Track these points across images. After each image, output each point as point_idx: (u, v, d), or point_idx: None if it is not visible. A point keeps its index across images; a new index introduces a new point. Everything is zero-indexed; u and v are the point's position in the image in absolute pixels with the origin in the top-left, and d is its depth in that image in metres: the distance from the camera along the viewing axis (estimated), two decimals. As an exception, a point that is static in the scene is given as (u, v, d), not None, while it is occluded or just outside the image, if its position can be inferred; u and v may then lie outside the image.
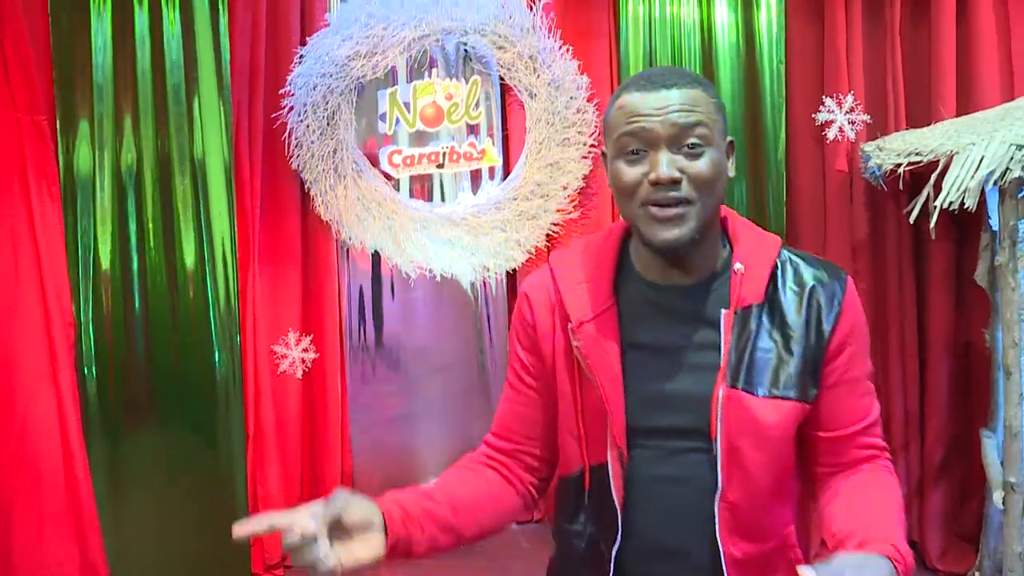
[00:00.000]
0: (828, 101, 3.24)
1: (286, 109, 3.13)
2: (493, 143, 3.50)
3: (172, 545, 2.97)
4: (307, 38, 3.16)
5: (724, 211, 1.36)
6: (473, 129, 3.49)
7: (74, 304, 2.67)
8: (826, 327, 1.29)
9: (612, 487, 1.30)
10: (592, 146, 3.38)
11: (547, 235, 3.45)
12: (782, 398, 1.26)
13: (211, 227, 3.01)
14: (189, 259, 2.96)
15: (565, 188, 3.40)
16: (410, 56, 3.25)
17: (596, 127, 3.37)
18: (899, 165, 2.64)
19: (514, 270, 3.48)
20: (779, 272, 1.32)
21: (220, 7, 2.93)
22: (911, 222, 2.70)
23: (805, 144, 3.35)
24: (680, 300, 1.31)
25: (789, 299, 1.30)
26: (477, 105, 3.45)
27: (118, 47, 2.74)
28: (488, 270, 3.45)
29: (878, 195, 3.21)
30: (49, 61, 2.61)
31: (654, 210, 1.23)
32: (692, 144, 1.22)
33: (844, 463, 1.33)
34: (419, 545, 1.26)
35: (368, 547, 1.17)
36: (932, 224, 2.46)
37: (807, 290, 1.30)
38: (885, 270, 3.28)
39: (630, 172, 1.24)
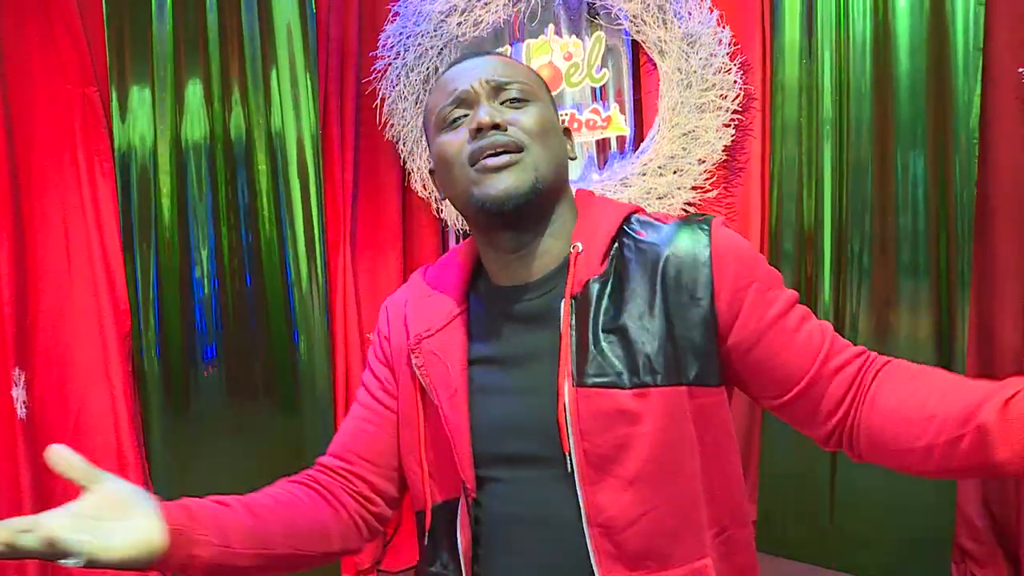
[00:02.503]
0: (1042, 52, 2.53)
1: (378, 74, 2.80)
2: (622, 109, 3.03)
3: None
4: (402, -9, 2.81)
5: (579, 194, 1.20)
6: (598, 93, 3.03)
7: (130, 288, 2.46)
8: (700, 290, 1.07)
9: (458, 528, 1.11)
10: (736, 112, 2.84)
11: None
12: (645, 386, 1.05)
13: (291, 205, 2.73)
14: (264, 239, 2.70)
15: (702, 162, 2.88)
16: (520, 10, 2.82)
17: (741, 90, 2.82)
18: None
19: (641, 257, 3.00)
20: (626, 240, 1.13)
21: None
22: None
23: (1007, 107, 2.63)
24: (523, 300, 1.14)
25: (634, 267, 1.10)
26: (602, 65, 2.98)
27: (179, 11, 2.46)
28: (610, 256, 2.98)
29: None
30: (102, 27, 2.37)
31: (484, 161, 1.08)
32: (514, 98, 1.13)
33: (836, 402, 1.05)
34: (204, 547, 1.00)
35: (128, 532, 0.91)
36: None
37: (659, 252, 1.10)
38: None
39: (452, 137, 1.12)
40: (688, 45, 2.79)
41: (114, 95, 2.41)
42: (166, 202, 2.50)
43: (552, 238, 1.15)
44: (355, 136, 2.88)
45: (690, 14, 2.79)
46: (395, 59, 2.75)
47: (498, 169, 1.08)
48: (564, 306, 1.09)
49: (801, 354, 1.07)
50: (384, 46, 2.78)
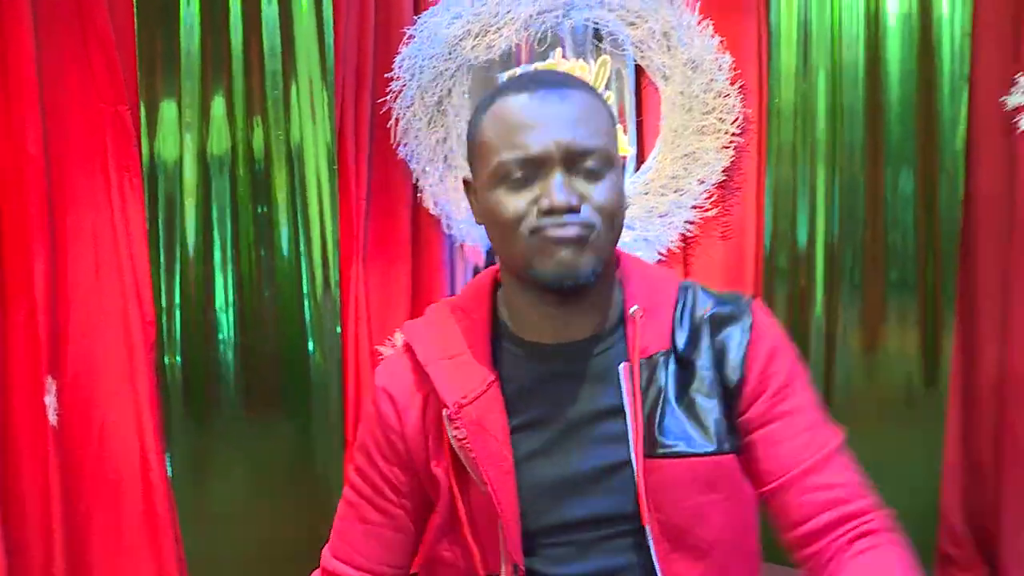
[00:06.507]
0: (1023, 80, 2.68)
1: (392, 95, 2.89)
2: (624, 130, 3.15)
3: (257, 552, 2.81)
4: (416, 17, 2.90)
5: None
6: (603, 114, 3.14)
7: (155, 299, 2.53)
8: (733, 362, 1.09)
9: None
10: (734, 135, 2.96)
11: (681, 235, 3.07)
12: (717, 454, 1.07)
13: (308, 217, 2.83)
14: (283, 250, 2.80)
15: (702, 182, 3.00)
16: (530, 34, 2.93)
17: (740, 114, 2.95)
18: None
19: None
20: (678, 311, 1.13)
21: (322, -16, 2.73)
22: None
23: (990, 134, 2.76)
24: (572, 360, 1.10)
25: (696, 341, 1.11)
26: (607, 87, 3.10)
27: (207, 31, 2.57)
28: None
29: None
30: (134, 48, 2.45)
31: (549, 232, 1.01)
32: (591, 168, 1.03)
33: (807, 531, 1.06)
34: None
35: None
36: None
37: (702, 323, 1.12)
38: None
39: (514, 202, 1.03)
40: (691, 71, 2.91)
41: (143, 111, 2.50)
42: (190, 215, 2.59)
43: (597, 294, 1.11)
44: (368, 153, 2.97)
45: (693, 40, 2.91)
46: (410, 80, 2.85)
47: (566, 242, 1.02)
48: (624, 371, 1.08)
49: (792, 452, 1.08)
50: (399, 68, 2.87)
